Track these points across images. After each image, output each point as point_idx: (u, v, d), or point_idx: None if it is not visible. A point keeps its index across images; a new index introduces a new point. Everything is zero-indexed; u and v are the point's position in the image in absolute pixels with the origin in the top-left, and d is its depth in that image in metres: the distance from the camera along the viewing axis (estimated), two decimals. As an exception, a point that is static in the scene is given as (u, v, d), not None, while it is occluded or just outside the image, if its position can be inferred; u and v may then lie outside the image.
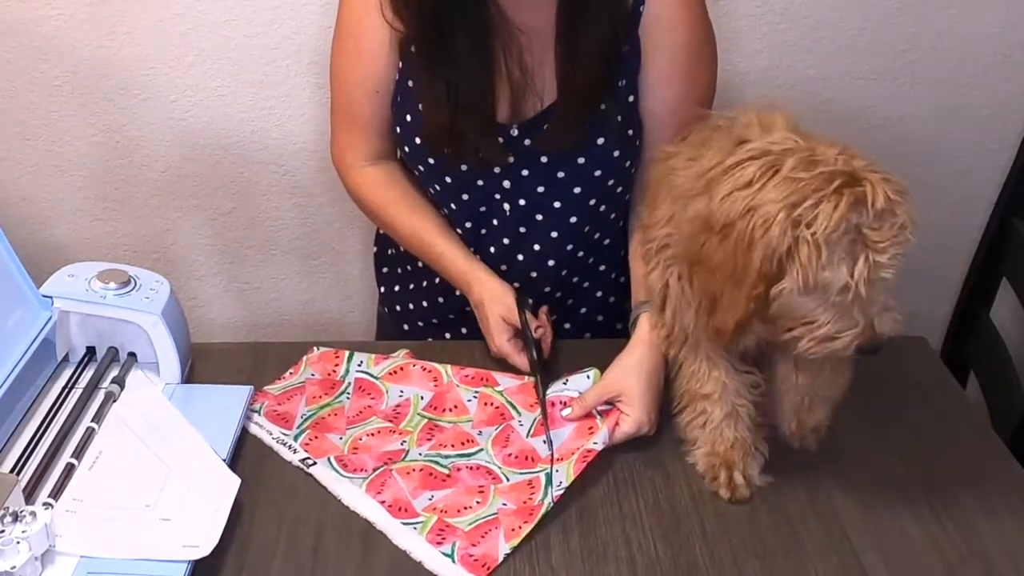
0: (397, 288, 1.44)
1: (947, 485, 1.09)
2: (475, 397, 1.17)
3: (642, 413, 1.11)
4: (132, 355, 1.18)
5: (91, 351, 1.18)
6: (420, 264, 1.36)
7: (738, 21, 1.58)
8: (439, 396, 1.17)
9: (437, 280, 1.35)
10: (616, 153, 1.22)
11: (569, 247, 1.29)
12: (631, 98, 1.21)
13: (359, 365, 1.21)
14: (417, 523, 1.01)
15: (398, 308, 1.45)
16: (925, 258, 1.81)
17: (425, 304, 1.41)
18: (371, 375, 1.20)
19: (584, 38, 1.15)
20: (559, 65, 1.17)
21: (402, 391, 1.18)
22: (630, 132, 1.22)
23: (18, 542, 0.87)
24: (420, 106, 1.21)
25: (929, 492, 1.08)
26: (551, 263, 1.30)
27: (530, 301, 1.24)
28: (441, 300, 1.38)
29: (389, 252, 1.45)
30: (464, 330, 1.39)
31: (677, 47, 1.19)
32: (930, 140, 1.70)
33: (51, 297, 1.13)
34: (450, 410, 1.16)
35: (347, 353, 1.23)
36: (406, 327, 1.45)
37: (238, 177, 1.69)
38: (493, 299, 1.22)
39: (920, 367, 1.28)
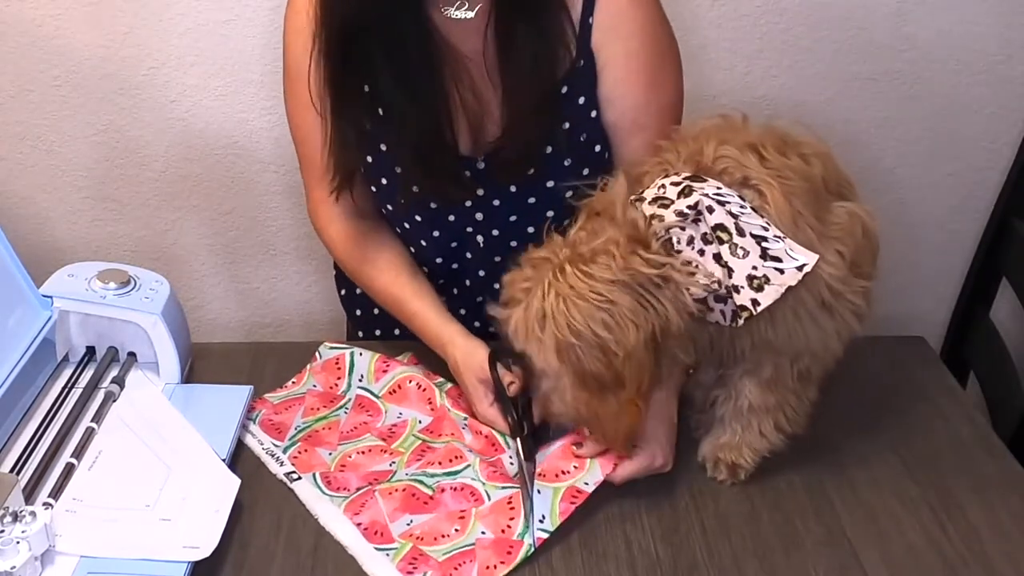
0: (376, 311, 1.39)
1: (947, 485, 1.09)
2: (466, 425, 1.14)
3: (654, 445, 1.07)
4: (132, 355, 1.18)
5: (91, 351, 1.18)
6: None
7: (738, 21, 1.58)
8: (437, 421, 1.15)
9: None
10: (586, 172, 1.18)
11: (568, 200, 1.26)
12: (594, 113, 1.18)
13: (360, 380, 1.19)
14: (391, 549, 0.98)
15: (377, 333, 1.41)
16: (925, 258, 1.82)
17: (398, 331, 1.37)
18: (372, 392, 1.18)
19: (517, 60, 1.11)
20: (502, 89, 1.14)
21: (401, 413, 1.16)
22: (597, 148, 1.20)
23: (18, 542, 0.87)
24: (382, 146, 1.18)
25: (929, 492, 1.08)
26: None
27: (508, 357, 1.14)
28: None
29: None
30: None
31: (632, 55, 1.15)
32: (930, 140, 1.70)
33: (51, 297, 1.13)
34: (447, 435, 1.13)
35: (348, 355, 1.21)
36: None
37: (238, 177, 1.69)
38: (468, 363, 1.15)
39: (920, 367, 1.28)
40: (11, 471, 0.99)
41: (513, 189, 1.20)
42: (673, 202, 0.95)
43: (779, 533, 1.02)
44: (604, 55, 1.15)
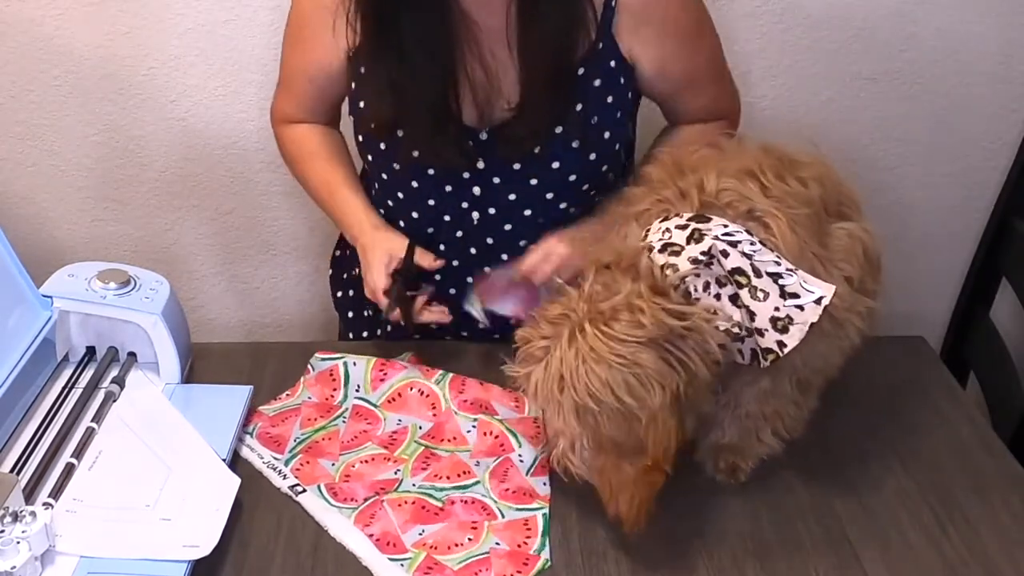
0: (367, 313, 1.40)
1: (947, 485, 1.09)
2: (474, 427, 1.13)
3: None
4: (132, 355, 1.18)
5: (91, 351, 1.18)
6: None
7: (738, 21, 1.58)
8: (438, 427, 1.14)
9: None
10: (592, 156, 1.21)
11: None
12: (610, 99, 1.19)
13: (356, 390, 1.19)
14: (405, 559, 0.97)
15: (364, 335, 1.42)
16: (925, 258, 1.82)
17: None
18: (369, 402, 1.17)
19: (538, 34, 1.14)
20: (519, 64, 1.16)
21: (400, 420, 1.15)
22: (607, 135, 1.20)
23: (18, 542, 0.87)
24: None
25: (928, 492, 1.08)
26: None
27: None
28: None
29: (344, 276, 1.43)
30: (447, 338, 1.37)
31: (668, 36, 1.19)
32: (930, 140, 1.70)
33: (51, 297, 1.13)
34: (449, 440, 1.13)
35: (341, 366, 1.19)
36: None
37: (238, 177, 1.69)
38: (382, 242, 1.20)
39: (920, 367, 1.28)
40: (11, 471, 0.99)
41: (516, 167, 1.21)
42: (684, 248, 0.93)
43: (779, 533, 1.02)
44: (634, 40, 1.18)
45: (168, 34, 1.55)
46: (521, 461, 1.09)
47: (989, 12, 1.58)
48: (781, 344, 0.92)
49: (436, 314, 1.21)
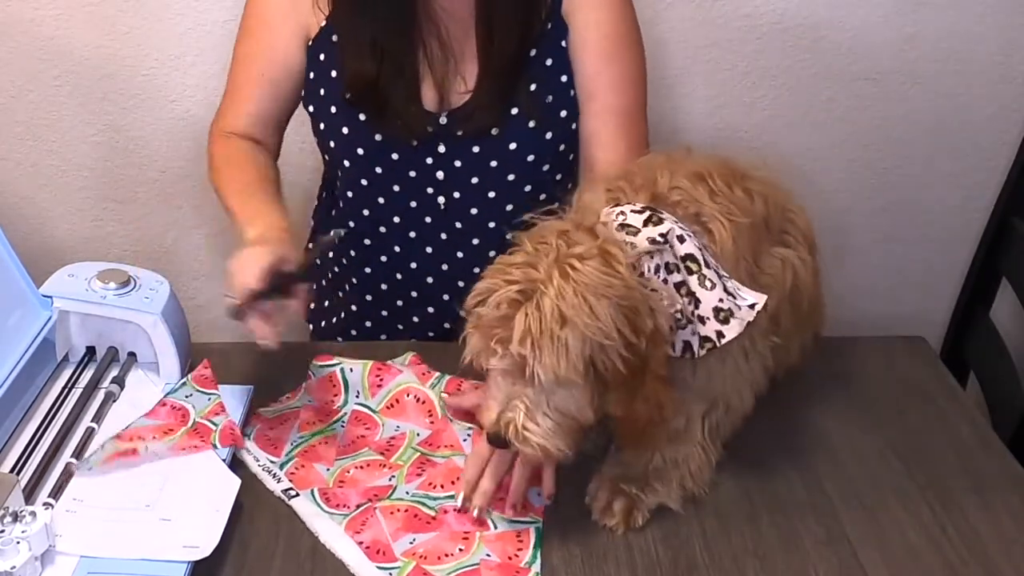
0: (327, 303, 1.42)
1: (947, 485, 1.09)
2: (470, 435, 1.12)
3: None
4: (132, 355, 1.18)
5: (91, 351, 1.18)
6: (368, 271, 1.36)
7: (738, 21, 1.58)
8: (436, 434, 1.13)
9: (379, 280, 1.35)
10: (548, 135, 1.23)
11: (509, 236, 1.27)
12: (564, 78, 1.22)
13: (356, 396, 1.18)
14: (394, 568, 0.96)
15: (342, 327, 1.44)
16: (925, 258, 1.82)
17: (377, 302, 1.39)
18: (369, 408, 1.17)
19: (500, 18, 1.17)
20: (479, 45, 1.19)
21: (398, 426, 1.15)
22: (563, 114, 1.23)
23: (18, 542, 0.87)
24: (348, 95, 1.21)
25: (929, 492, 1.08)
26: (492, 254, 1.28)
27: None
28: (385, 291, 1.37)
29: (314, 287, 1.44)
30: (432, 334, 1.38)
31: (592, 26, 1.21)
32: (930, 140, 1.70)
33: (51, 297, 1.13)
34: (446, 447, 1.12)
35: (339, 373, 1.18)
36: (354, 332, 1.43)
37: (238, 177, 1.69)
38: (279, 246, 1.07)
39: (920, 367, 1.28)
40: (11, 471, 0.99)
41: (476, 150, 1.23)
42: (640, 230, 0.93)
43: (779, 533, 1.02)
44: (573, 22, 1.21)
45: (168, 34, 1.55)
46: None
47: (989, 12, 1.58)
48: (720, 334, 0.93)
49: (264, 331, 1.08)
